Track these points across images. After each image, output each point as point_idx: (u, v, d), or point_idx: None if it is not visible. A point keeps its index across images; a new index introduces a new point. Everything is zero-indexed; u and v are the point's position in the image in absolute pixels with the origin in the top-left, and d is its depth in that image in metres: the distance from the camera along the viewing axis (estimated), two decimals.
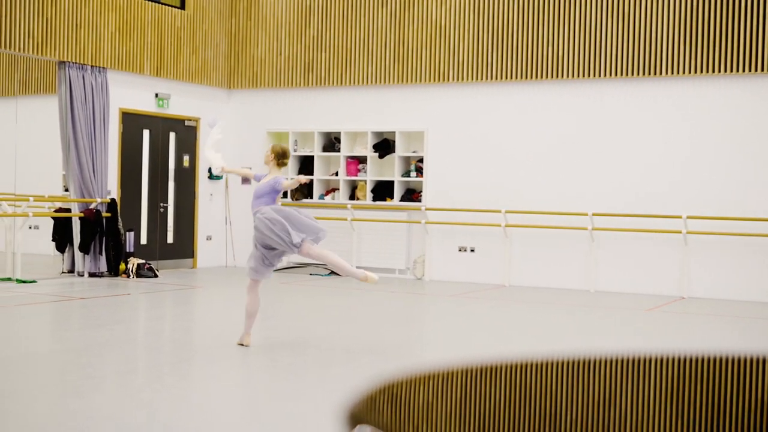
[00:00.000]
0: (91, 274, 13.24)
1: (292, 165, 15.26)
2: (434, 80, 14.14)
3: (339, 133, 14.96)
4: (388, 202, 14.52)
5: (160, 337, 9.08)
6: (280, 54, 15.38)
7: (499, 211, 13.55)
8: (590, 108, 13.18)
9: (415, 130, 14.40)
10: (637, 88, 12.86)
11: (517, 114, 13.66)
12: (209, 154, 8.31)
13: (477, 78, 13.83)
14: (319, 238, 7.71)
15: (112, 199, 13.44)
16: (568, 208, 13.22)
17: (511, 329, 9.71)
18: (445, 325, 10.10)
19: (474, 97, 13.97)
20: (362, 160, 14.87)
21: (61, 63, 13.04)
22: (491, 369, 2.31)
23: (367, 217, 14.57)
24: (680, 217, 12.41)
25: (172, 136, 14.99)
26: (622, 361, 2.43)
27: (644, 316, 10.74)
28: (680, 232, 12.41)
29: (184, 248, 15.25)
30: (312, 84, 15.12)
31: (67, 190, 13.53)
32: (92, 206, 13.20)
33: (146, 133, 14.57)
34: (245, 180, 15.18)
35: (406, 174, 14.51)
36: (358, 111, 14.84)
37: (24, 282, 12.25)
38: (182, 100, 15.03)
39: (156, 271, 13.59)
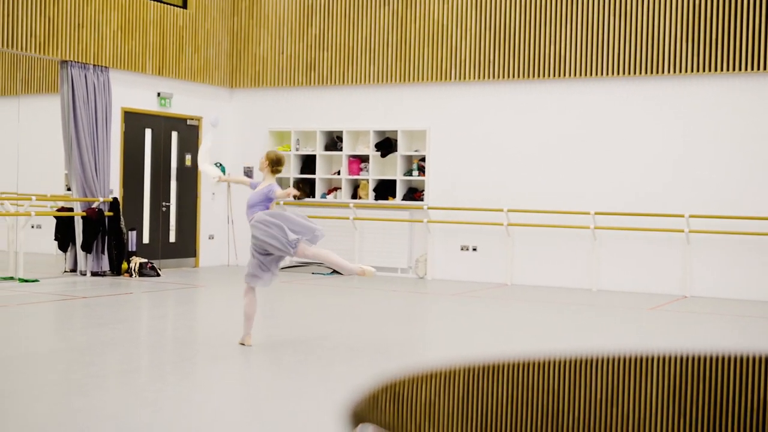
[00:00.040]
0: (94, 273, 13.25)
1: (294, 164, 15.26)
2: (436, 79, 14.14)
3: (341, 132, 14.96)
4: (390, 201, 14.52)
5: (163, 336, 9.08)
6: (283, 53, 15.38)
7: (501, 210, 13.55)
8: (592, 107, 13.18)
9: (417, 129, 14.40)
10: (640, 86, 12.86)
11: (519, 113, 13.66)
12: (204, 167, 8.41)
13: (479, 77, 13.82)
14: (317, 237, 7.74)
15: (115, 198, 13.45)
16: (570, 206, 13.22)
17: (513, 328, 9.71)
18: (447, 323, 10.11)
19: (476, 96, 13.97)
20: (364, 159, 14.87)
21: (64, 62, 13.05)
22: (493, 368, 2.31)
23: (369, 216, 14.58)
24: (682, 216, 12.40)
25: (174, 135, 15.00)
26: (624, 361, 2.43)
27: (646, 315, 10.73)
28: (682, 231, 12.41)
29: (186, 247, 15.26)
30: (314, 83, 15.12)
31: (69, 189, 13.54)
32: (94, 205, 13.21)
33: (148, 132, 14.57)
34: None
35: (408, 173, 14.51)
36: (360, 110, 14.84)
37: (26, 281, 12.26)
38: (184, 99, 15.04)
39: (158, 270, 13.60)
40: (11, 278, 12.45)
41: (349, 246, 14.61)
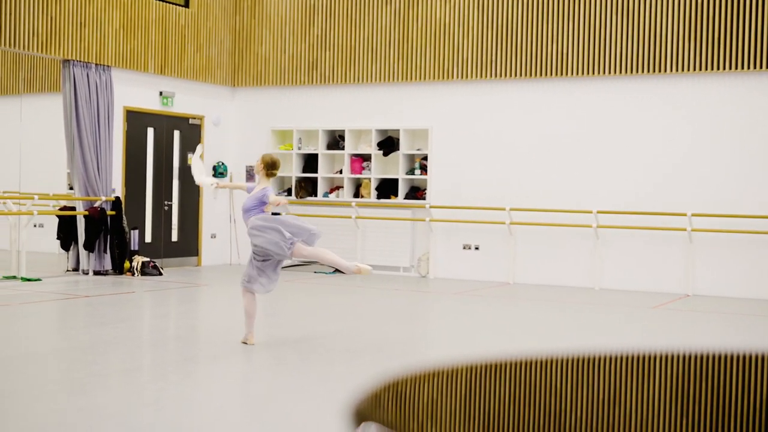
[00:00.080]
0: (96, 272, 13.26)
1: (296, 163, 15.26)
2: (439, 78, 14.13)
3: (343, 131, 14.96)
4: (392, 200, 14.52)
5: (165, 335, 9.09)
6: (285, 52, 15.38)
7: (504, 209, 13.54)
8: (595, 105, 13.17)
9: (420, 128, 14.40)
10: (643, 85, 12.84)
11: (521, 112, 13.65)
12: (200, 179, 8.49)
13: (481, 76, 13.82)
14: (313, 236, 7.78)
15: (117, 197, 13.46)
16: (573, 205, 13.21)
17: (515, 327, 9.70)
18: (449, 322, 10.11)
19: (478, 94, 13.96)
20: (366, 157, 14.87)
21: (66, 61, 13.06)
22: (495, 366, 2.31)
23: (372, 215, 14.57)
24: (685, 214, 12.39)
25: (176, 134, 15.00)
26: (627, 359, 2.43)
27: (649, 313, 10.73)
28: (685, 230, 12.40)
29: (188, 246, 15.26)
30: (316, 82, 15.12)
31: (71, 188, 13.55)
32: (97, 204, 13.21)
33: (150, 131, 14.58)
34: None
35: (411, 172, 14.51)
36: (362, 109, 14.84)
37: (29, 280, 12.27)
38: (186, 98, 15.04)
39: (160, 269, 13.61)
40: (14, 277, 12.46)
41: (352, 245, 14.61)
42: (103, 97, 13.36)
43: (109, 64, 13.54)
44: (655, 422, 2.09)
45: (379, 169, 14.72)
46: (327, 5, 14.99)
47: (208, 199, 15.48)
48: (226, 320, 9.49)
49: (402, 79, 14.41)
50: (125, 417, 5.46)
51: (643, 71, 12.72)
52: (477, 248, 13.98)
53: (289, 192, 15.35)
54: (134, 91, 14.13)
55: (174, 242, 15.00)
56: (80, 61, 13.12)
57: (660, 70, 12.61)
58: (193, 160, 8.61)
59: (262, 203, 7.78)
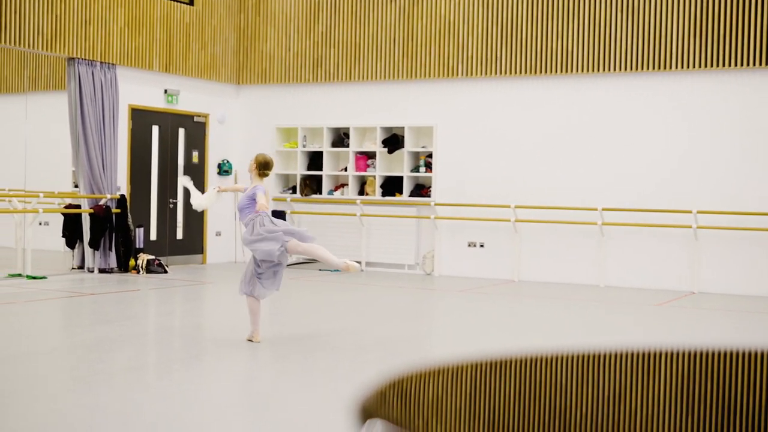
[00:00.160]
0: (101, 270, 13.28)
1: (301, 161, 15.26)
2: (443, 75, 14.12)
3: (348, 128, 14.95)
4: (397, 198, 14.52)
5: (170, 332, 9.10)
6: (289, 49, 15.38)
7: (509, 206, 13.53)
8: (599, 102, 13.15)
9: (425, 126, 14.39)
10: (647, 82, 12.82)
11: (525, 109, 13.64)
12: (200, 202, 8.59)
13: (486, 73, 13.81)
14: (306, 237, 7.83)
15: (122, 195, 13.48)
16: (578, 203, 13.20)
17: (520, 324, 9.70)
18: (455, 320, 10.11)
19: (483, 92, 13.95)
20: (371, 155, 14.86)
21: (71, 59, 13.07)
22: (500, 364, 2.31)
23: (376, 212, 14.57)
24: (690, 211, 12.37)
25: (181, 132, 15.01)
26: (632, 356, 2.43)
27: (654, 311, 10.72)
28: (690, 227, 12.38)
29: (193, 244, 15.28)
30: (321, 79, 15.12)
31: (76, 186, 13.56)
32: (102, 202, 13.23)
33: (155, 129, 14.59)
34: None
35: (415, 169, 14.50)
36: (367, 106, 14.84)
37: (34, 278, 12.29)
38: (191, 96, 15.05)
39: (165, 267, 13.62)
40: (19, 275, 12.48)
41: (356, 242, 14.62)
42: (108, 95, 13.38)
43: (114, 62, 13.56)
44: (660, 419, 2.08)
45: (383, 166, 14.72)
46: (332, 3, 14.98)
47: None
48: (231, 318, 9.50)
49: (407, 76, 14.40)
50: (130, 414, 5.47)
51: (648, 68, 12.70)
52: (482, 246, 13.98)
53: (294, 190, 15.36)
54: (139, 89, 14.15)
55: (179, 240, 15.01)
56: (85, 59, 13.13)
57: (665, 67, 12.59)
58: (192, 191, 8.69)
59: (254, 200, 7.87)
